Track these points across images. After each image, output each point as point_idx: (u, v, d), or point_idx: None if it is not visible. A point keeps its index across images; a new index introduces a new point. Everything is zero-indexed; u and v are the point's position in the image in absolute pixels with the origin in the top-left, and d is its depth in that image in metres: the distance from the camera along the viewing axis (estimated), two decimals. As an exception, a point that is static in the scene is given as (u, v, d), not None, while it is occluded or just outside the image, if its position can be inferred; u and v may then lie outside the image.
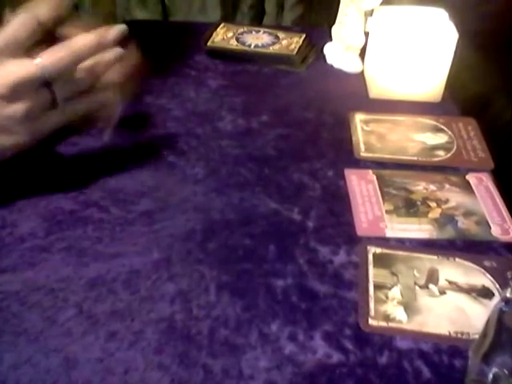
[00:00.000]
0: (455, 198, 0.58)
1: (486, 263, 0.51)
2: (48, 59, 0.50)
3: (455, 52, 0.71)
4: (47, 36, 0.52)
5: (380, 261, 0.51)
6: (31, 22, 0.50)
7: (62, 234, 0.53)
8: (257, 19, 1.07)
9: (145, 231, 0.54)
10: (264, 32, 0.87)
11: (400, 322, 0.46)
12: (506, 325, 0.37)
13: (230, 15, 1.06)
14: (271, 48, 0.83)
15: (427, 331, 0.45)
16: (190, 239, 0.53)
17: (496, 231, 0.55)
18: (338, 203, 0.58)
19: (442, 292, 0.49)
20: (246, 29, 0.87)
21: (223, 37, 0.85)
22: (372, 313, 0.47)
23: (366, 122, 0.70)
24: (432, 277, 0.50)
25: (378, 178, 0.61)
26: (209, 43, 0.84)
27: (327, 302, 0.48)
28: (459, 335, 0.45)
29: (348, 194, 0.59)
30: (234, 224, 0.55)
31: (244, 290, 0.48)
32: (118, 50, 0.53)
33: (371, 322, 0.46)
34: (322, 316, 0.46)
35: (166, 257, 0.51)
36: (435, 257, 0.52)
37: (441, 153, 0.65)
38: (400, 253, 0.52)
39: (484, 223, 0.55)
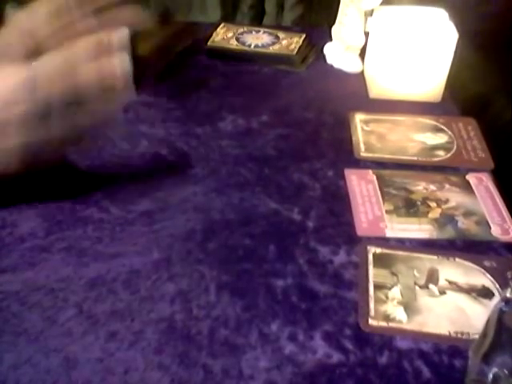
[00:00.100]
0: (455, 198, 0.58)
1: (486, 263, 0.51)
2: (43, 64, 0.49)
3: (455, 52, 0.71)
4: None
5: (380, 261, 0.51)
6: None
7: (61, 233, 0.53)
8: (257, 19, 1.08)
9: (145, 231, 0.54)
10: (264, 32, 0.87)
11: (400, 322, 0.46)
12: (506, 325, 0.37)
13: (230, 15, 1.06)
14: (271, 48, 0.83)
15: (427, 331, 0.45)
16: (190, 239, 0.53)
17: (496, 231, 0.55)
18: (338, 203, 0.58)
19: (442, 292, 0.49)
20: (245, 29, 0.87)
21: (223, 37, 0.85)
22: (372, 313, 0.47)
23: (366, 122, 0.70)
24: (432, 277, 0.50)
25: (377, 178, 0.61)
26: (209, 43, 0.84)
27: (327, 302, 0.48)
28: (459, 335, 0.45)
29: (348, 193, 0.59)
30: (234, 224, 0.55)
31: (244, 289, 0.48)
32: (120, 56, 0.52)
33: (371, 322, 0.46)
34: (322, 316, 0.46)
35: (166, 257, 0.51)
36: (435, 257, 0.52)
37: (441, 153, 0.65)
38: (400, 253, 0.52)
39: (484, 223, 0.55)
